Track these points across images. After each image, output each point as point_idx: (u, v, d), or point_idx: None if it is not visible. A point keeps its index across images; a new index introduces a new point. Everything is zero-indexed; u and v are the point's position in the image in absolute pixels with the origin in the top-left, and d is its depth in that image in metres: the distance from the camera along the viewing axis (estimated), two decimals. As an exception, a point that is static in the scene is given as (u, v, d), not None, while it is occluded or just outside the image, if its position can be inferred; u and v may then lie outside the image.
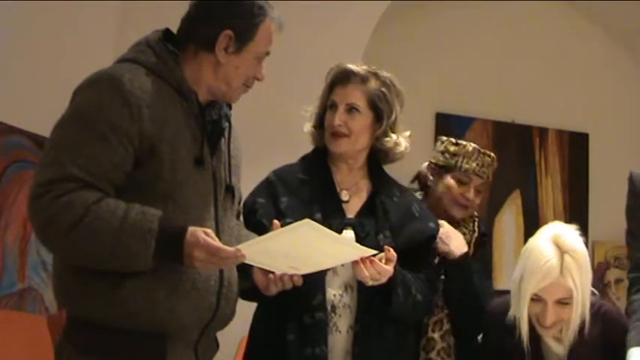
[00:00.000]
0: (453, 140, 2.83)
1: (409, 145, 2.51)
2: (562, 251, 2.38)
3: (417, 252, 2.45)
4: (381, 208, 2.44)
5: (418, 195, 2.79)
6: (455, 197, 2.75)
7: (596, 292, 2.65)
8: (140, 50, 2.08)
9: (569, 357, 2.50)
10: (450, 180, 2.77)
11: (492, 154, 2.83)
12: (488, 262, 2.92)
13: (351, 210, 2.44)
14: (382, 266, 2.22)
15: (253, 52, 2.09)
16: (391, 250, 2.25)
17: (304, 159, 2.54)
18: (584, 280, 2.42)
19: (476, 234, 2.83)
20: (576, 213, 5.08)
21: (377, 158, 2.52)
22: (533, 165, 5.20)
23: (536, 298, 2.39)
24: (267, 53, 2.14)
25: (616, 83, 5.36)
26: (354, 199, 2.46)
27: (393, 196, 2.48)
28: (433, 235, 2.51)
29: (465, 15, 5.14)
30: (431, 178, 2.83)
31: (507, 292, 2.74)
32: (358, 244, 2.18)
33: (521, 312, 2.39)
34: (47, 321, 3.52)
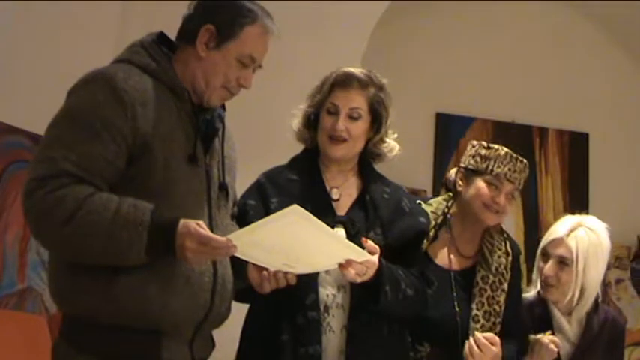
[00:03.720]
0: (485, 144, 2.73)
1: (398, 148, 2.52)
2: (579, 224, 2.78)
3: (409, 247, 2.45)
4: (372, 205, 2.44)
5: (442, 200, 2.77)
6: (485, 201, 2.65)
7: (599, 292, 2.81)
8: (134, 51, 2.10)
9: (576, 351, 2.66)
10: (480, 183, 2.67)
11: (525, 161, 2.73)
12: (519, 286, 2.79)
13: (342, 208, 2.45)
14: (369, 259, 2.22)
15: (234, 52, 2.09)
16: (369, 241, 2.25)
17: (294, 160, 2.55)
18: (590, 258, 2.74)
19: (510, 257, 2.73)
20: (576, 213, 5.07)
21: (367, 158, 2.53)
22: (533, 165, 5.19)
23: (543, 253, 2.78)
24: (254, 60, 2.12)
25: (616, 83, 5.35)
26: (344, 197, 2.47)
27: (383, 192, 2.48)
28: (424, 229, 2.52)
29: (465, 15, 5.14)
30: (460, 183, 2.73)
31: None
32: (350, 242, 2.16)
33: (535, 269, 2.83)
34: (47, 321, 3.53)
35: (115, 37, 3.96)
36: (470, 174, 2.70)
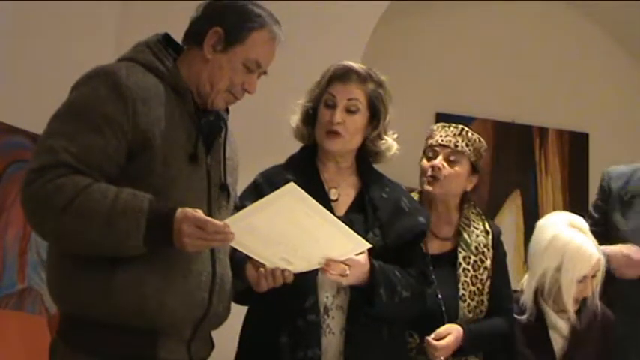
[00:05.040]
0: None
1: (397, 148, 2.53)
2: (584, 231, 2.80)
3: (408, 247, 2.45)
4: (370, 205, 2.44)
5: (416, 193, 2.83)
6: (424, 172, 2.76)
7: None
8: (139, 50, 2.12)
9: (570, 346, 2.73)
10: (422, 160, 2.80)
11: (461, 126, 2.81)
12: (504, 263, 2.86)
13: (340, 208, 2.44)
14: (351, 258, 2.21)
15: (241, 57, 2.10)
16: None
17: (291, 159, 2.54)
18: None
19: (490, 235, 2.79)
20: (576, 213, 5.06)
21: (365, 155, 2.52)
22: (533, 165, 5.19)
23: (581, 280, 2.74)
24: (259, 65, 2.13)
25: (616, 83, 5.35)
26: (342, 197, 2.46)
27: (382, 192, 2.47)
28: (423, 229, 2.51)
29: (465, 15, 5.14)
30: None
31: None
32: (349, 229, 2.13)
33: (567, 296, 2.74)
34: (47, 321, 3.52)
35: (115, 37, 3.96)
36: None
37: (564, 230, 2.79)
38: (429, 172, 2.73)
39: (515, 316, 2.80)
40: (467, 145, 2.76)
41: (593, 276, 2.78)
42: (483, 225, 2.81)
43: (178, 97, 2.07)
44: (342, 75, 2.45)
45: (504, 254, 2.83)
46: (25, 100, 3.55)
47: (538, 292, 2.81)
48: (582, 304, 2.83)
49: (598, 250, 2.78)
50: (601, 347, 2.81)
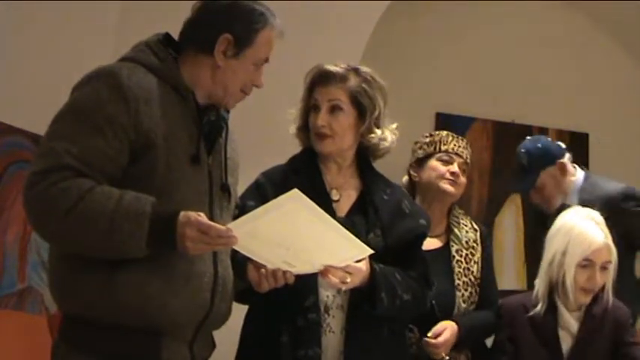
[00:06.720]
0: (426, 134, 3.02)
1: (395, 138, 2.52)
2: (596, 222, 2.81)
3: (409, 249, 2.45)
4: (372, 206, 2.44)
5: None
6: (441, 174, 2.91)
7: None
8: (139, 50, 2.12)
9: (579, 345, 2.69)
10: (433, 162, 2.94)
11: (465, 139, 3.03)
12: (492, 258, 3.03)
13: (342, 209, 2.44)
14: (352, 265, 2.22)
15: (251, 58, 2.11)
16: None
17: (293, 159, 2.55)
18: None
19: (478, 232, 2.97)
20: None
21: (365, 155, 2.52)
22: (534, 165, 5.18)
23: (585, 264, 2.75)
24: (266, 60, 2.16)
25: (616, 83, 5.35)
26: (344, 197, 2.47)
27: (383, 193, 2.48)
28: (424, 232, 2.52)
29: (465, 15, 5.14)
30: (415, 174, 2.97)
31: (509, 292, 2.90)
32: (352, 235, 2.14)
33: (569, 280, 2.75)
34: (47, 321, 3.53)
35: (115, 37, 3.95)
36: (421, 162, 2.97)
37: (574, 217, 2.85)
38: (448, 175, 2.91)
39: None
40: (469, 158, 3.01)
41: (605, 268, 2.77)
42: (471, 223, 3.01)
43: (179, 98, 2.07)
44: (320, 79, 2.48)
45: (491, 252, 3.03)
46: (24, 100, 3.55)
47: (553, 288, 2.81)
48: (593, 299, 2.81)
49: (608, 240, 2.78)
50: (612, 344, 2.79)
